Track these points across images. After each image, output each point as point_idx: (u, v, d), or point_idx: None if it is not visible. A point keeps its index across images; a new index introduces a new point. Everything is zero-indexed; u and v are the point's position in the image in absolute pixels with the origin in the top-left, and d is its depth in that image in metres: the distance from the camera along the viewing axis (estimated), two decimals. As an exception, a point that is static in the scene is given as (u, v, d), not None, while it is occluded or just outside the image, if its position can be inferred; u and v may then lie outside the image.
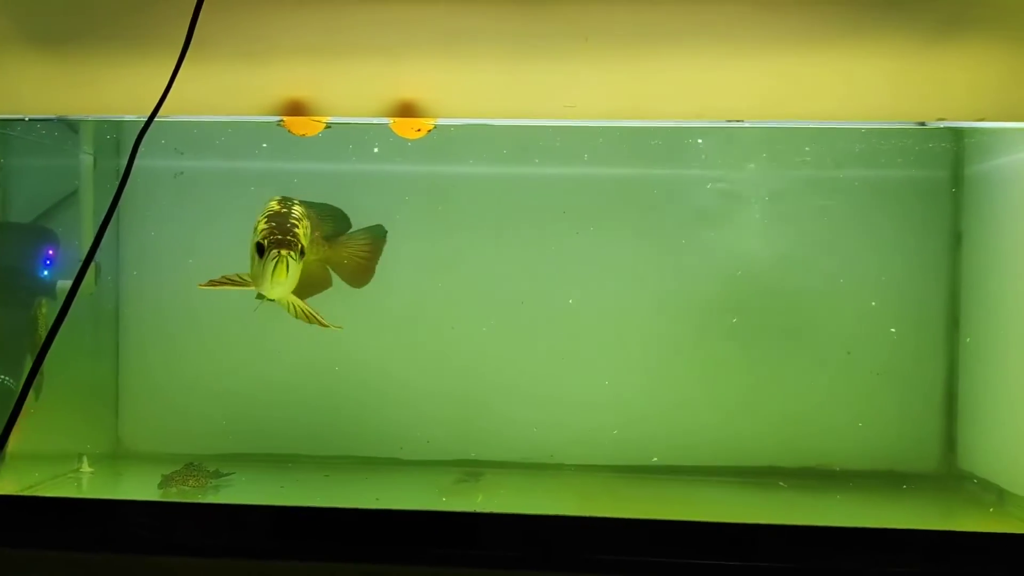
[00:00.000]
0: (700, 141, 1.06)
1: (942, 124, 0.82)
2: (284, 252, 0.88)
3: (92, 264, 1.07)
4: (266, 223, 0.92)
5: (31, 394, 0.73)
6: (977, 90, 0.81)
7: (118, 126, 1.08)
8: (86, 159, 1.08)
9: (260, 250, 0.89)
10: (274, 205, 0.95)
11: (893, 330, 1.06)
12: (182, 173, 1.11)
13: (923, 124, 0.83)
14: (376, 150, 1.07)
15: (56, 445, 1.03)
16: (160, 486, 0.96)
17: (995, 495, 0.96)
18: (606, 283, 1.09)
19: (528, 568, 0.81)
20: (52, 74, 0.87)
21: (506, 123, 0.86)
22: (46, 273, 1.06)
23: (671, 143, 1.07)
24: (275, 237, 0.89)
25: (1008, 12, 0.80)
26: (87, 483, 1.01)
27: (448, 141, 1.01)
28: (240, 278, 0.94)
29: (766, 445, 1.07)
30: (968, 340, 1.05)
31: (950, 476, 1.06)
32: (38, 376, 0.88)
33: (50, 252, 1.07)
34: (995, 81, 0.81)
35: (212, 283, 0.95)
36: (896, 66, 0.81)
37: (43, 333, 1.03)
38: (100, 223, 0.76)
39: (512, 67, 0.83)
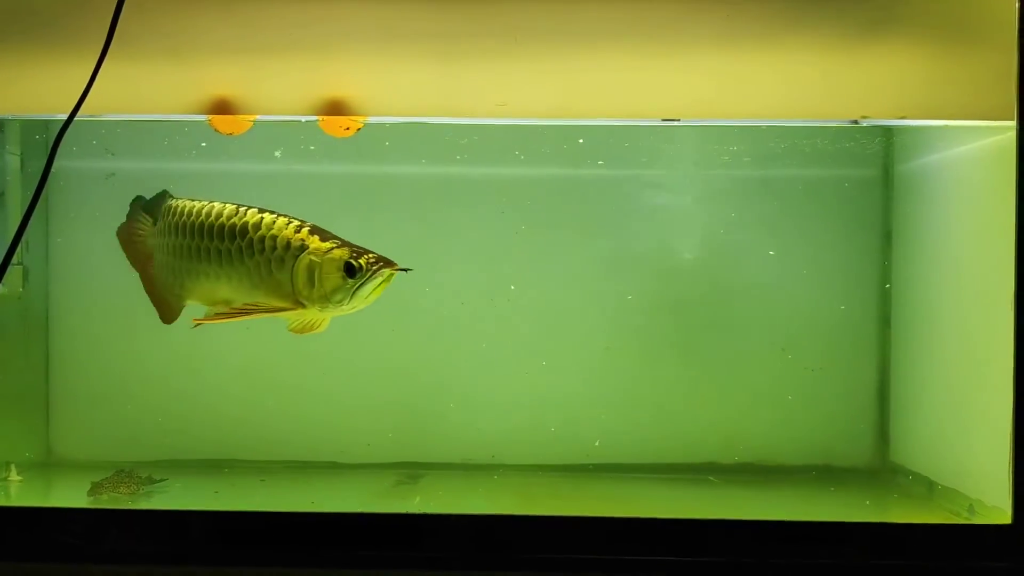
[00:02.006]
0: (627, 144, 1.07)
1: (867, 123, 0.84)
2: (391, 270, 0.84)
3: (20, 267, 1.07)
4: (320, 237, 0.86)
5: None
6: (901, 89, 0.82)
7: (46, 126, 1.06)
8: (12, 160, 1.06)
9: (350, 270, 0.84)
10: (271, 217, 0.88)
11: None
12: (114, 174, 1.08)
13: (856, 122, 0.85)
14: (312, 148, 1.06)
15: None
16: (89, 493, 0.94)
17: (925, 487, 0.98)
18: (543, 282, 1.09)
19: (465, 568, 0.81)
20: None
21: (437, 121, 0.86)
22: (-29, 277, 1.04)
23: (606, 143, 1.08)
24: (369, 254, 0.84)
25: (930, 13, 0.82)
26: (15, 491, 0.99)
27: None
28: (257, 306, 0.88)
29: (704, 442, 1.08)
30: (898, 336, 1.07)
31: (883, 470, 1.08)
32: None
33: (-25, 256, 1.05)
34: (918, 80, 0.82)
35: (219, 316, 0.89)
36: (823, 65, 0.82)
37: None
38: (20, 223, 0.74)
39: (443, 65, 0.83)
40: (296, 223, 0.86)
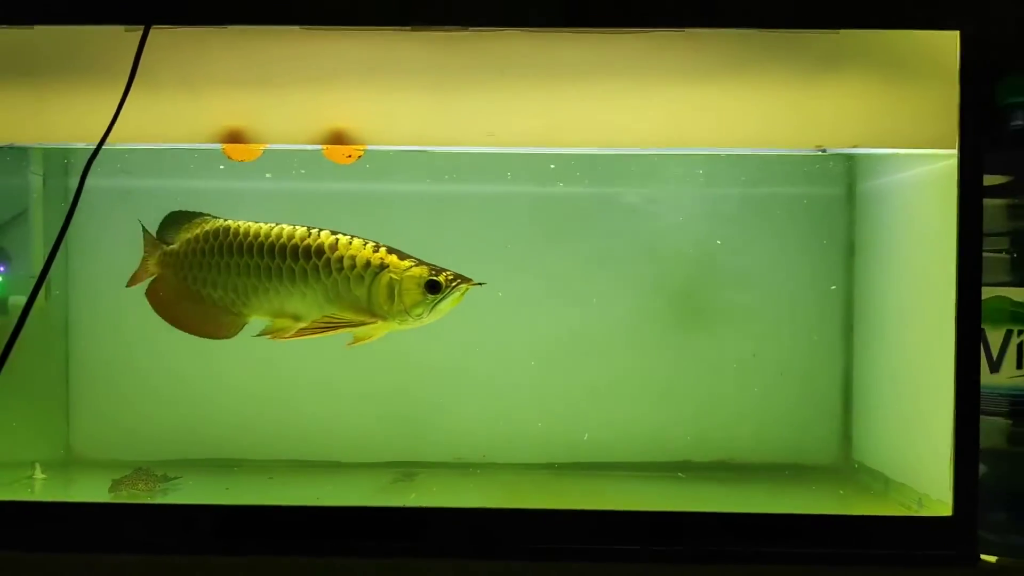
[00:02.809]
0: (615, 166, 1.15)
1: (820, 151, 0.91)
2: (467, 285, 0.94)
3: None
4: (397, 256, 0.94)
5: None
6: (855, 120, 0.90)
7: (66, 148, 1.13)
8: (35, 180, 1.13)
9: (433, 286, 0.92)
10: (345, 238, 0.95)
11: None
12: (130, 193, 1.15)
13: (824, 151, 0.92)
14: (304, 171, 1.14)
15: (9, 454, 1.08)
16: (110, 490, 1.01)
17: (882, 483, 1.06)
18: (532, 290, 1.16)
19: (456, 556, 0.88)
20: (3, 105, 0.93)
21: (432, 149, 0.93)
22: (-3, 289, 1.11)
23: (597, 166, 1.16)
24: (446, 271, 0.93)
25: (877, 50, 0.90)
26: (40, 488, 1.05)
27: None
28: (336, 320, 0.94)
29: (680, 442, 1.16)
30: (860, 343, 1.15)
31: (846, 467, 1.15)
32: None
33: (0, 269, 1.12)
34: (870, 113, 0.90)
35: (302, 332, 0.95)
36: (784, 99, 0.90)
37: (-5, 346, 1.08)
38: (53, 242, 0.82)
39: (436, 98, 0.91)
40: (372, 243, 0.94)
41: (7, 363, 1.02)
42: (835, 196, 1.16)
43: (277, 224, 0.96)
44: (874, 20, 0.88)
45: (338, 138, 0.90)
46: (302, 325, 0.96)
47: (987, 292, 0.98)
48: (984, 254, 0.97)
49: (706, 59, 0.90)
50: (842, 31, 0.89)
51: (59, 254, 1.13)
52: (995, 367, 0.99)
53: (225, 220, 0.98)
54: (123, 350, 1.17)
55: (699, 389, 1.17)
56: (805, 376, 1.16)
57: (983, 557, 0.92)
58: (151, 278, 1.02)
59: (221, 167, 1.09)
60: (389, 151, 0.95)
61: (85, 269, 1.17)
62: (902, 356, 1.04)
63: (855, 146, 0.90)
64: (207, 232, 0.98)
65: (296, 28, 0.89)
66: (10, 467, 1.07)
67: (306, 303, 0.95)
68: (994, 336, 0.99)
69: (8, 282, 1.11)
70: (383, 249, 0.94)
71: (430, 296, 0.92)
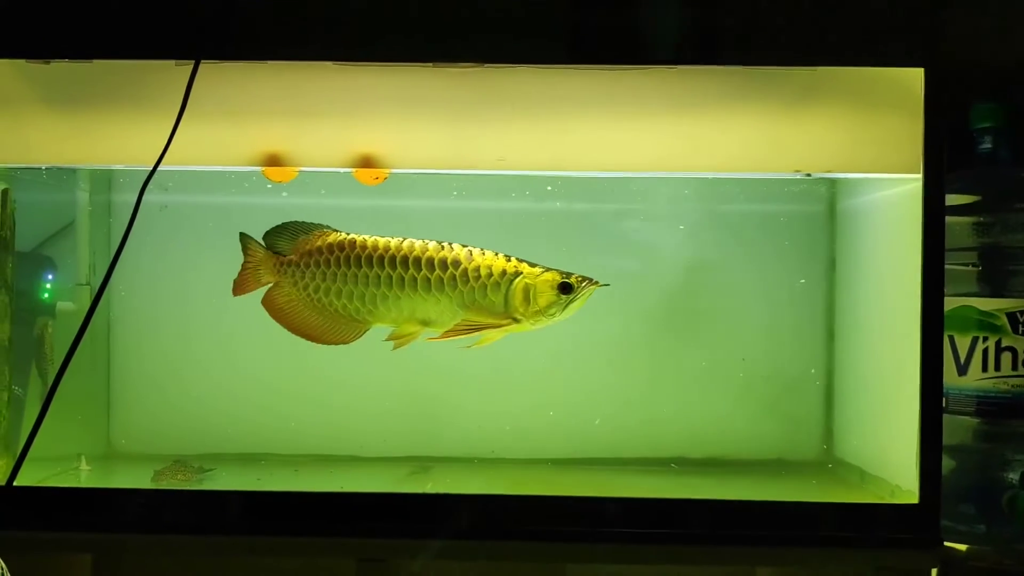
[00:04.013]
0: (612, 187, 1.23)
1: (798, 175, 1.01)
2: (595, 286, 1.03)
3: (86, 287, 1.22)
4: (527, 264, 1.02)
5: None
6: (829, 147, 0.99)
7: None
8: (82, 195, 1.22)
9: (566, 288, 1.01)
10: (478, 250, 1.03)
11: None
12: (166, 207, 1.24)
13: (809, 175, 1.00)
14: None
15: (55, 448, 1.13)
16: (153, 480, 1.10)
17: (858, 476, 1.15)
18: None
19: (468, 538, 0.98)
20: (60, 130, 1.01)
21: (449, 172, 1.03)
22: (47, 296, 1.20)
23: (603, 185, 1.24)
24: (573, 274, 1.02)
25: (850, 84, 0.99)
26: (86, 478, 1.13)
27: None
28: (475, 323, 1.02)
29: (676, 439, 1.24)
30: (840, 348, 1.24)
31: (828, 463, 1.24)
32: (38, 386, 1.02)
33: (49, 277, 1.21)
34: (842, 140, 0.99)
35: (449, 333, 1.02)
36: (765, 128, 0.99)
37: (47, 350, 1.17)
38: (112, 257, 0.91)
39: (454, 127, 1.00)
40: (502, 254, 1.03)
41: (51, 363, 1.13)
42: (817, 213, 1.25)
43: (403, 238, 1.04)
44: (847, 58, 0.97)
45: (366, 162, 1.00)
46: (429, 330, 1.03)
47: (955, 302, 1.07)
48: (953, 267, 1.06)
49: (698, 93, 0.99)
50: (818, 68, 0.98)
51: (103, 262, 1.23)
52: (963, 370, 1.07)
53: (348, 233, 1.05)
54: (159, 352, 1.25)
55: (692, 391, 1.24)
56: (790, 379, 1.25)
57: (953, 545, 1.01)
58: (264, 286, 1.07)
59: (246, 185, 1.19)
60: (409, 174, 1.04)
61: (127, 277, 1.24)
62: (878, 360, 1.12)
63: (829, 171, 1.00)
64: (331, 244, 1.04)
65: (329, 64, 0.99)
66: (57, 460, 1.14)
67: (439, 309, 1.02)
68: (962, 342, 1.07)
69: (56, 289, 1.20)
70: (515, 258, 1.03)
71: (563, 297, 1.01)
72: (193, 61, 0.95)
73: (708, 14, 1.03)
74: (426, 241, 1.03)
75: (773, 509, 1.00)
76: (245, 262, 1.07)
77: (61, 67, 1.01)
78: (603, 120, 1.00)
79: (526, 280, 1.01)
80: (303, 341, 1.07)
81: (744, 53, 0.97)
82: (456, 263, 1.01)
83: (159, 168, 0.96)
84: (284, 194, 1.18)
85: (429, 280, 1.02)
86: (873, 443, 1.13)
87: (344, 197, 1.16)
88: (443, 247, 1.03)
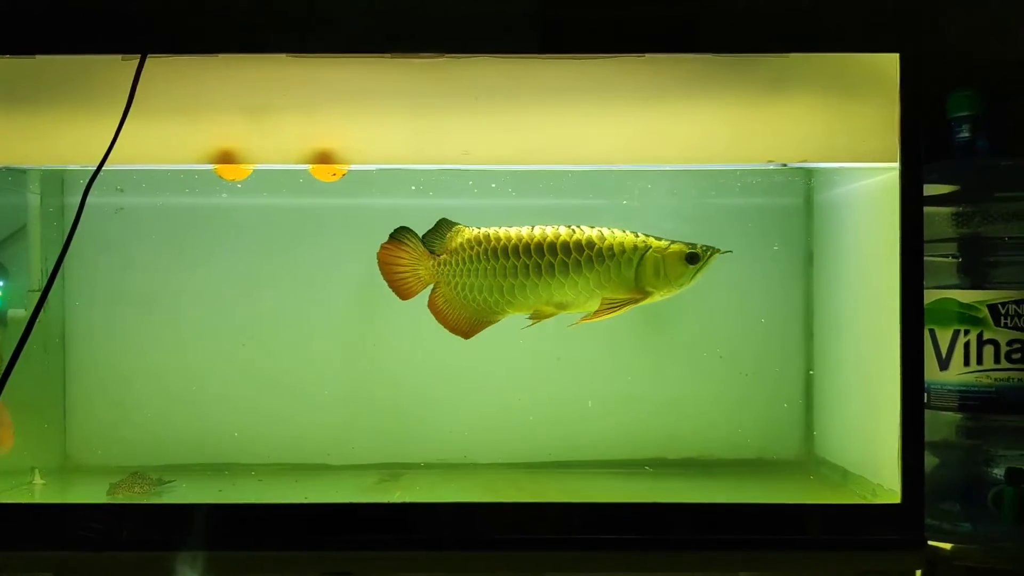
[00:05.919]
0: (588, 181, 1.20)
1: (780, 165, 0.98)
2: (719, 253, 1.05)
3: (38, 293, 1.18)
4: (654, 238, 1.04)
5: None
6: (802, 137, 0.96)
7: (62, 169, 1.18)
8: (33, 198, 1.18)
9: (693, 258, 1.03)
10: (607, 230, 1.05)
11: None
12: (122, 209, 1.20)
13: (785, 164, 0.98)
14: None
15: (8, 461, 1.12)
16: (108, 493, 1.06)
17: (840, 475, 1.12)
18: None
19: (441, 548, 0.95)
20: (5, 129, 0.98)
21: (411, 167, 0.99)
22: (-3, 303, 1.16)
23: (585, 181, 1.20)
24: (697, 244, 1.04)
25: (823, 71, 0.96)
26: (39, 493, 1.09)
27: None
28: (615, 301, 1.04)
29: (653, 440, 1.22)
30: (819, 345, 1.21)
31: (808, 462, 1.22)
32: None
33: (-1, 283, 1.17)
34: (816, 129, 0.96)
35: (599, 314, 1.04)
36: (734, 117, 0.97)
37: (-2, 357, 1.13)
38: (56, 261, 0.87)
39: (415, 120, 0.96)
40: (629, 231, 1.05)
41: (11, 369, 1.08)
42: (794, 206, 1.22)
43: (531, 227, 1.05)
44: (820, 44, 0.94)
45: (323, 158, 0.96)
46: (564, 312, 1.05)
47: (936, 295, 1.05)
48: (933, 259, 1.04)
49: (667, 82, 0.96)
50: (791, 55, 0.95)
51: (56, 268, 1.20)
52: (944, 365, 1.05)
53: (479, 228, 1.06)
54: (116, 360, 1.22)
55: (669, 390, 1.22)
56: (769, 376, 1.22)
57: (938, 545, 0.99)
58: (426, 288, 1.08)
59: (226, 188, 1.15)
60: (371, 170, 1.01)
61: (81, 282, 1.21)
62: (858, 357, 1.10)
63: (803, 161, 0.97)
64: (469, 240, 1.05)
65: (283, 56, 0.95)
66: (9, 474, 1.11)
67: (576, 290, 1.04)
68: (943, 336, 1.05)
69: (7, 295, 1.16)
70: (641, 234, 1.04)
71: (691, 266, 1.03)
72: (139, 55, 0.91)
73: (677, 0, 1.00)
74: (556, 227, 1.04)
75: (751, 512, 0.97)
76: (402, 262, 1.07)
77: (2, 63, 0.97)
78: (571, 112, 0.97)
79: (655, 254, 1.03)
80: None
81: (714, 40, 0.94)
82: (590, 244, 1.03)
83: (111, 168, 0.93)
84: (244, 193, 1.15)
85: (567, 264, 1.04)
86: (855, 441, 1.11)
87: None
88: (573, 231, 1.04)
